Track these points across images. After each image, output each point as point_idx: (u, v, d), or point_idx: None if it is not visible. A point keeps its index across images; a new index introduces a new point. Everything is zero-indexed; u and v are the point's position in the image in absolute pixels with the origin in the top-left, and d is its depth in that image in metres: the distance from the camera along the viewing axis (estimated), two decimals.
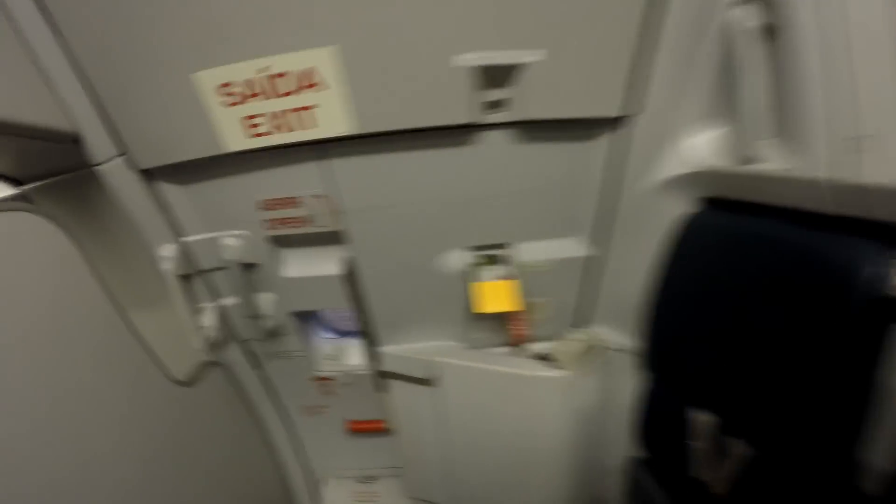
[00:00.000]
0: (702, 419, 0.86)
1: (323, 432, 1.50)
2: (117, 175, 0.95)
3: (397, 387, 1.33)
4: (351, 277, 1.17)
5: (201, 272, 1.16)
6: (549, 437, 1.20)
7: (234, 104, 0.85)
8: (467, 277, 1.15)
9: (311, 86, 0.82)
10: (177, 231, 1.08)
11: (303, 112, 0.86)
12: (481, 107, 0.87)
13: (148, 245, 1.05)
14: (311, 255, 1.16)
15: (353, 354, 1.37)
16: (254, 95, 0.84)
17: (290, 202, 1.04)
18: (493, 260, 1.17)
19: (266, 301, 1.22)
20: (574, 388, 1.15)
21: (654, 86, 0.85)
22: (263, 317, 1.22)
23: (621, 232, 1.05)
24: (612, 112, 0.88)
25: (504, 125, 0.91)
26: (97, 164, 0.92)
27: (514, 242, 1.12)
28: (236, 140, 0.90)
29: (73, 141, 0.87)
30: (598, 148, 0.95)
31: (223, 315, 1.23)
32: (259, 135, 0.89)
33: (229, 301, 1.21)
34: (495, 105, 0.88)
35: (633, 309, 1.05)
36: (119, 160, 0.94)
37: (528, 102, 0.86)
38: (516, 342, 1.25)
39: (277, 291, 1.20)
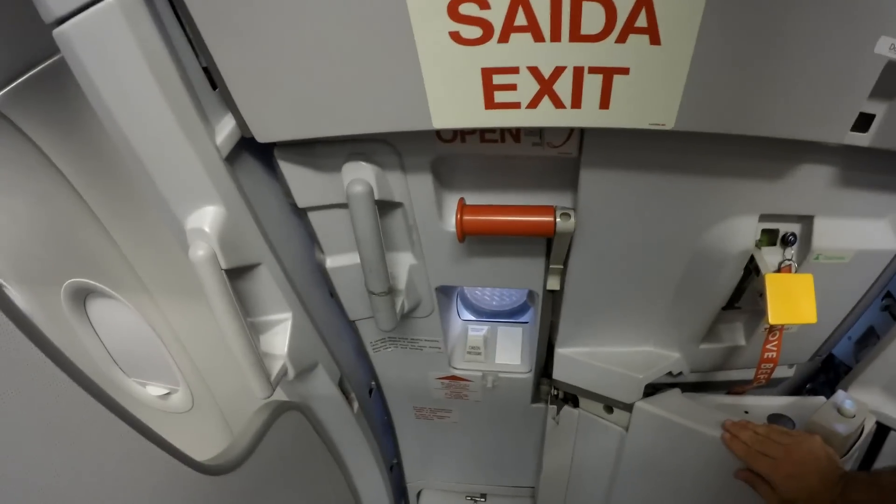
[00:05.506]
0: None
1: (432, 440, 1.10)
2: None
3: (568, 415, 0.91)
4: (550, 239, 0.71)
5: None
6: None
7: (471, 42, 0.48)
8: (746, 261, 0.70)
9: (634, 31, 0.46)
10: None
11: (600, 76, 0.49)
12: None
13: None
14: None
15: (510, 350, 0.92)
16: (513, 31, 0.47)
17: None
18: (774, 239, 0.74)
19: (401, 267, 0.75)
20: None
21: None
22: (396, 292, 0.75)
23: None
24: None
25: None
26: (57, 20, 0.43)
27: (817, 215, 0.70)
28: (461, 109, 0.53)
29: None
30: None
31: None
32: (505, 105, 0.52)
33: (338, 261, 0.74)
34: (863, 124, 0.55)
35: None
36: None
37: None
38: (759, 381, 0.79)
39: (426, 253, 0.73)
